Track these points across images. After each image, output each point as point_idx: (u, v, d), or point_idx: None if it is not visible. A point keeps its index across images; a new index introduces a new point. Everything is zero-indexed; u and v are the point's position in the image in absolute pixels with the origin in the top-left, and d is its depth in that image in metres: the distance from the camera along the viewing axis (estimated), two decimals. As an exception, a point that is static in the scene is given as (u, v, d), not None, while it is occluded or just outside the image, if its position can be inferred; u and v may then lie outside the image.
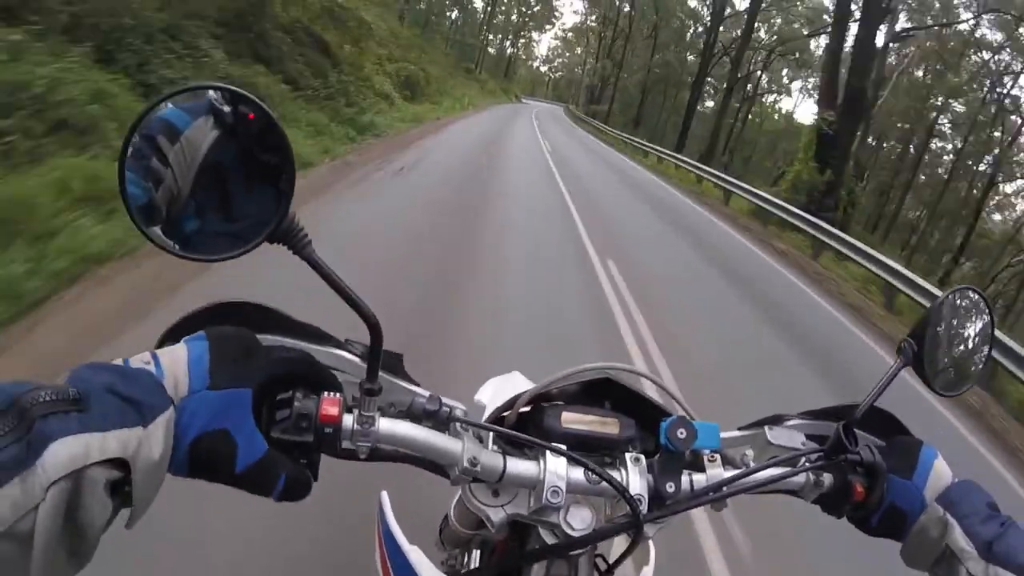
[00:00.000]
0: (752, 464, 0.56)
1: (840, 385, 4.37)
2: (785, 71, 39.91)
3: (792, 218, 10.59)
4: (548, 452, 0.50)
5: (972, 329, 0.61)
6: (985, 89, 25.25)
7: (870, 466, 0.55)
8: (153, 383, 0.37)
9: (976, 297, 0.61)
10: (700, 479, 0.54)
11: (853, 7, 15.72)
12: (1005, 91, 24.34)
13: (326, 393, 0.45)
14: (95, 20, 4.94)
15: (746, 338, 4.90)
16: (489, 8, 51.38)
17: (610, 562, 0.63)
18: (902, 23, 20.26)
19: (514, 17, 60.44)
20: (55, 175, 3.33)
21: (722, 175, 14.05)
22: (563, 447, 0.50)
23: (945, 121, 30.07)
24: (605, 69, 48.70)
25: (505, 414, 0.57)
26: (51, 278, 2.69)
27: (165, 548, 1.48)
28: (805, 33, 31.18)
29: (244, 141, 0.39)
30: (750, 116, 40.78)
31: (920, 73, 27.62)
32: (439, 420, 0.50)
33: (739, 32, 31.01)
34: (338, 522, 1.67)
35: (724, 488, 0.53)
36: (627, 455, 0.53)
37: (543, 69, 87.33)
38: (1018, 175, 27.48)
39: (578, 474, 0.50)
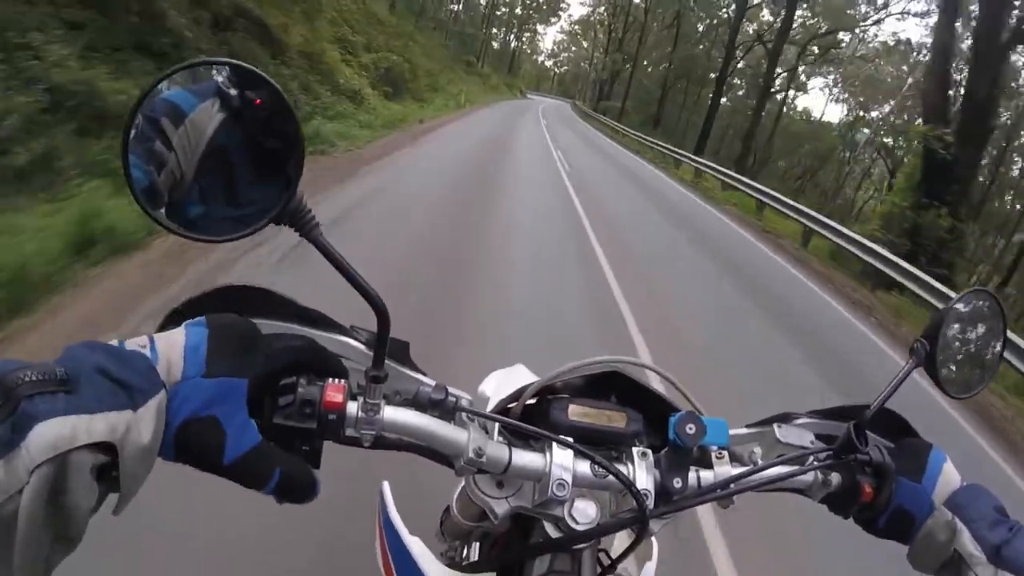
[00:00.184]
0: (760, 462, 0.56)
1: None
2: (802, 68, 35.67)
3: (898, 273, 7.65)
4: (554, 444, 0.50)
5: (984, 331, 0.61)
6: None
7: (879, 467, 0.54)
8: (146, 366, 0.36)
9: (989, 298, 0.61)
10: (707, 476, 0.54)
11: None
12: None
13: (331, 380, 0.44)
14: None
15: None
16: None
17: (613, 557, 0.62)
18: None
19: (518, 9, 57.23)
20: None
21: (804, 208, 10.24)
22: (570, 439, 0.50)
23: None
24: (616, 63, 45.21)
25: (511, 406, 0.56)
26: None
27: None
28: (861, 21, 26.86)
29: (251, 125, 0.38)
30: (767, 113, 35.73)
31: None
32: (445, 409, 0.49)
33: (778, 18, 26.86)
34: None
35: (731, 485, 0.53)
36: (634, 449, 0.52)
37: (548, 64, 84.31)
38: None
39: (584, 467, 0.50)
